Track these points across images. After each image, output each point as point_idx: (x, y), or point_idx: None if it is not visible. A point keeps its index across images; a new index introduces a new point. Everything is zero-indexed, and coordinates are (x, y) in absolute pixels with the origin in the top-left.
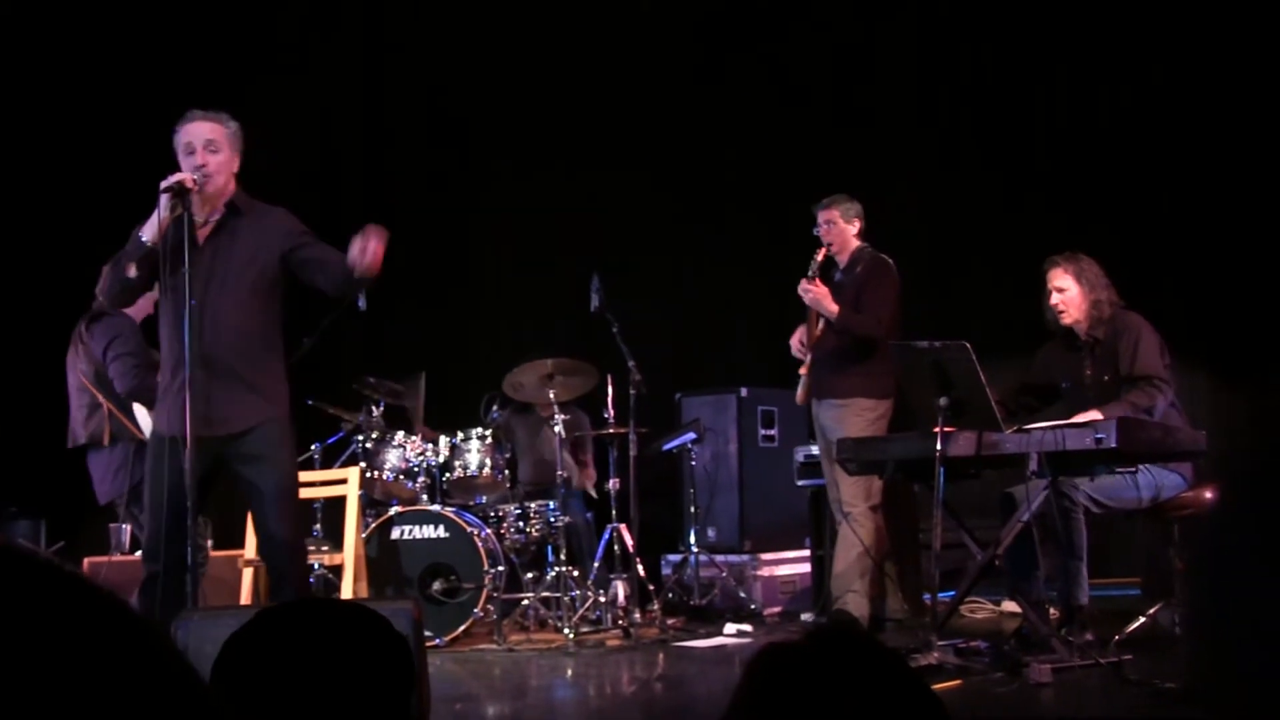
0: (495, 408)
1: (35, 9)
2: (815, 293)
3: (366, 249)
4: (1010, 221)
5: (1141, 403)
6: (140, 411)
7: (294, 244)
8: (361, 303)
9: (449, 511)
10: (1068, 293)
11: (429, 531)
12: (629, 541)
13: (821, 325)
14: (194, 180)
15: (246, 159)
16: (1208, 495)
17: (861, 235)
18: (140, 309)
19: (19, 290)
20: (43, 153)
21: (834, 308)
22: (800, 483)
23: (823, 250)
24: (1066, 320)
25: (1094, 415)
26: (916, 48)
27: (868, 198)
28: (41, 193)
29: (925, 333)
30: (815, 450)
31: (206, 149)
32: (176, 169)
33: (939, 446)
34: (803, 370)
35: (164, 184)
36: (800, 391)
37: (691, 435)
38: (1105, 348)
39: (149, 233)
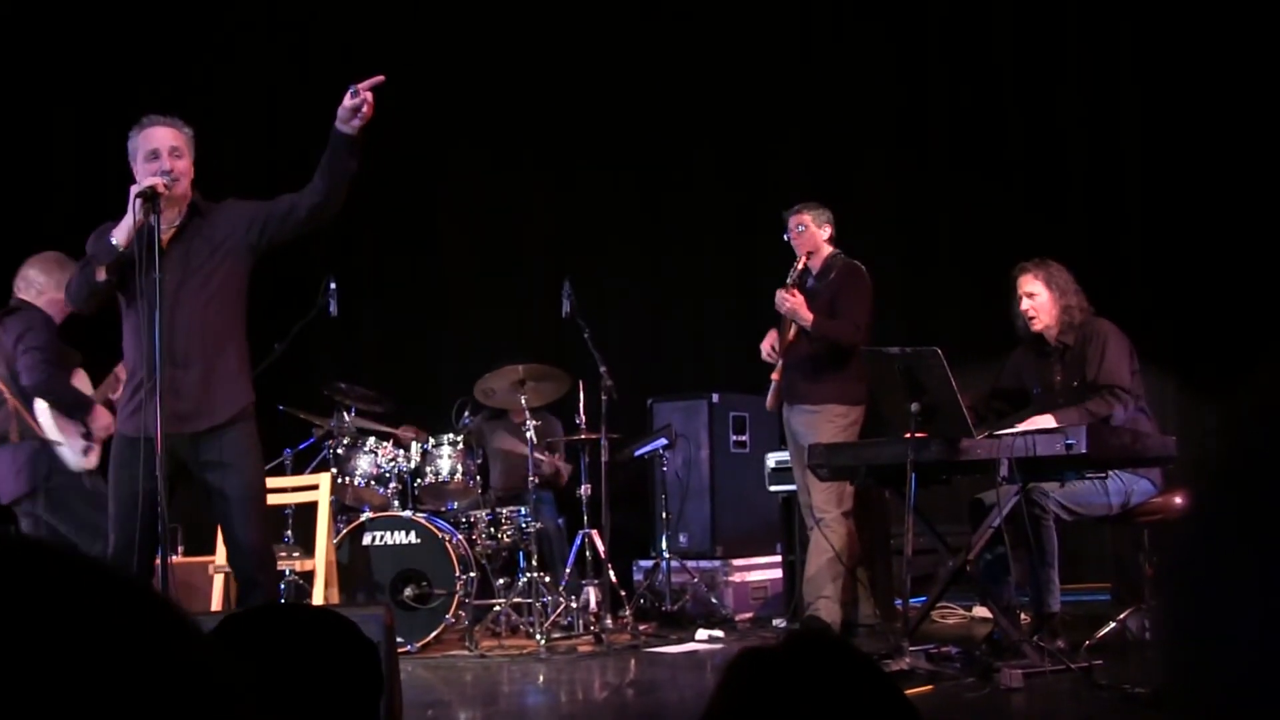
0: (467, 413)
1: None
2: (792, 302)
3: (362, 100)
4: (980, 227)
5: (1100, 411)
6: (40, 409)
7: (260, 220)
8: (333, 308)
9: (420, 517)
10: (1038, 298)
11: (400, 537)
12: (600, 547)
13: (794, 331)
14: (165, 185)
15: (214, 159)
16: (1177, 501)
17: (833, 242)
18: (59, 309)
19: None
20: None
21: (809, 316)
22: (772, 488)
23: (802, 259)
24: (1037, 326)
25: (1048, 420)
26: (888, 51)
27: (838, 203)
28: None
29: (896, 339)
30: (786, 456)
31: (172, 155)
32: (127, 170)
33: (910, 452)
34: (774, 375)
35: (135, 189)
36: (770, 397)
37: (663, 441)
38: (1075, 354)
39: (120, 236)
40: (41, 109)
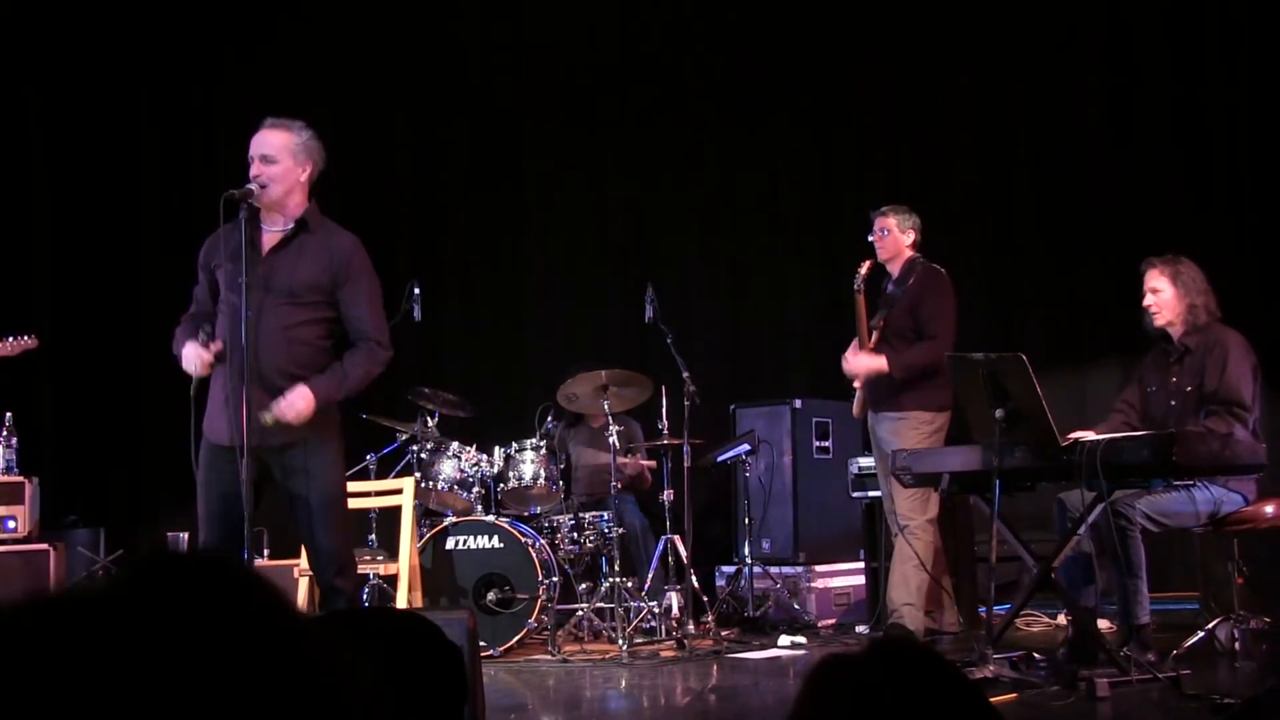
0: (550, 419)
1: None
2: (864, 365)
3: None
4: (1066, 228)
5: (1219, 429)
6: None
7: (338, 284)
8: (417, 313)
9: (503, 522)
10: (1162, 294)
11: (483, 542)
12: (683, 552)
13: (875, 338)
14: (240, 192)
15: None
16: (1269, 510)
17: (916, 247)
18: None
19: (78, 300)
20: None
21: (885, 366)
22: (855, 494)
23: (866, 264)
24: (1160, 321)
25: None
26: (970, 60)
27: (922, 208)
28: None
29: (979, 343)
30: (870, 462)
31: (262, 161)
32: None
33: (995, 459)
34: (857, 384)
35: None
36: (856, 405)
37: (746, 446)
38: (1194, 359)
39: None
40: (126, 87)
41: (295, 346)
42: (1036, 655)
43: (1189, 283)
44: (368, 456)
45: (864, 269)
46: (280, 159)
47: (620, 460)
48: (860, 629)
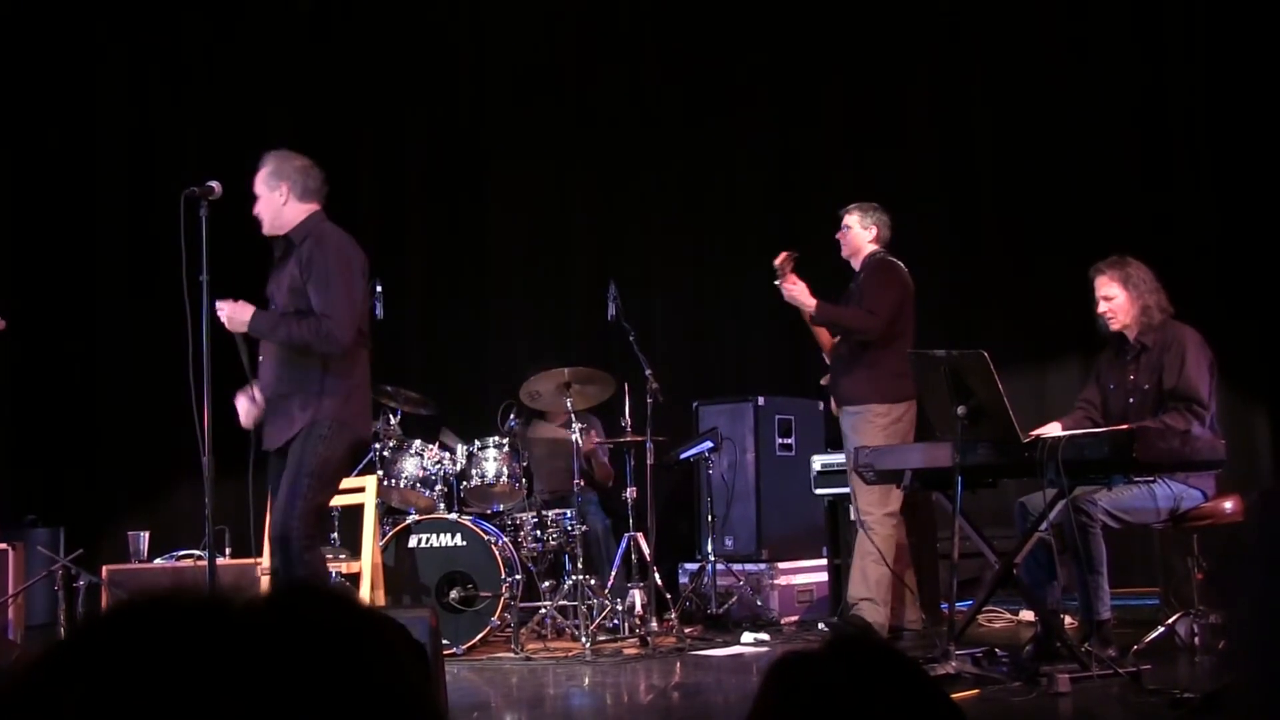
0: (512, 416)
1: None
2: (792, 290)
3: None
4: (1028, 230)
5: (1176, 425)
6: None
7: (307, 280)
8: (379, 310)
9: (466, 520)
10: (1115, 300)
11: (446, 540)
12: (646, 550)
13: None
14: (201, 189)
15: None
16: (1227, 506)
17: (882, 243)
18: None
19: (35, 296)
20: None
21: (811, 302)
22: (817, 491)
23: (781, 255)
24: (1115, 326)
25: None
26: (931, 58)
27: (884, 206)
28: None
29: (942, 341)
30: (832, 459)
31: (256, 200)
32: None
33: (956, 456)
34: (823, 381)
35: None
36: (834, 401)
37: (709, 444)
38: (1152, 357)
39: None
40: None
41: (282, 359)
42: (999, 651)
43: (1139, 284)
44: None
45: (778, 260)
46: (260, 193)
47: (596, 460)
48: (823, 626)
